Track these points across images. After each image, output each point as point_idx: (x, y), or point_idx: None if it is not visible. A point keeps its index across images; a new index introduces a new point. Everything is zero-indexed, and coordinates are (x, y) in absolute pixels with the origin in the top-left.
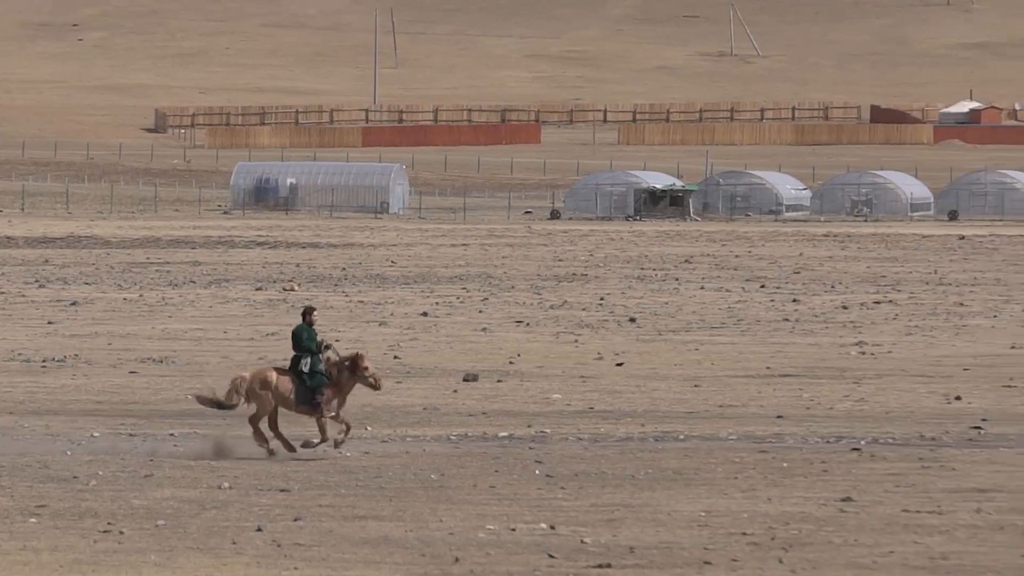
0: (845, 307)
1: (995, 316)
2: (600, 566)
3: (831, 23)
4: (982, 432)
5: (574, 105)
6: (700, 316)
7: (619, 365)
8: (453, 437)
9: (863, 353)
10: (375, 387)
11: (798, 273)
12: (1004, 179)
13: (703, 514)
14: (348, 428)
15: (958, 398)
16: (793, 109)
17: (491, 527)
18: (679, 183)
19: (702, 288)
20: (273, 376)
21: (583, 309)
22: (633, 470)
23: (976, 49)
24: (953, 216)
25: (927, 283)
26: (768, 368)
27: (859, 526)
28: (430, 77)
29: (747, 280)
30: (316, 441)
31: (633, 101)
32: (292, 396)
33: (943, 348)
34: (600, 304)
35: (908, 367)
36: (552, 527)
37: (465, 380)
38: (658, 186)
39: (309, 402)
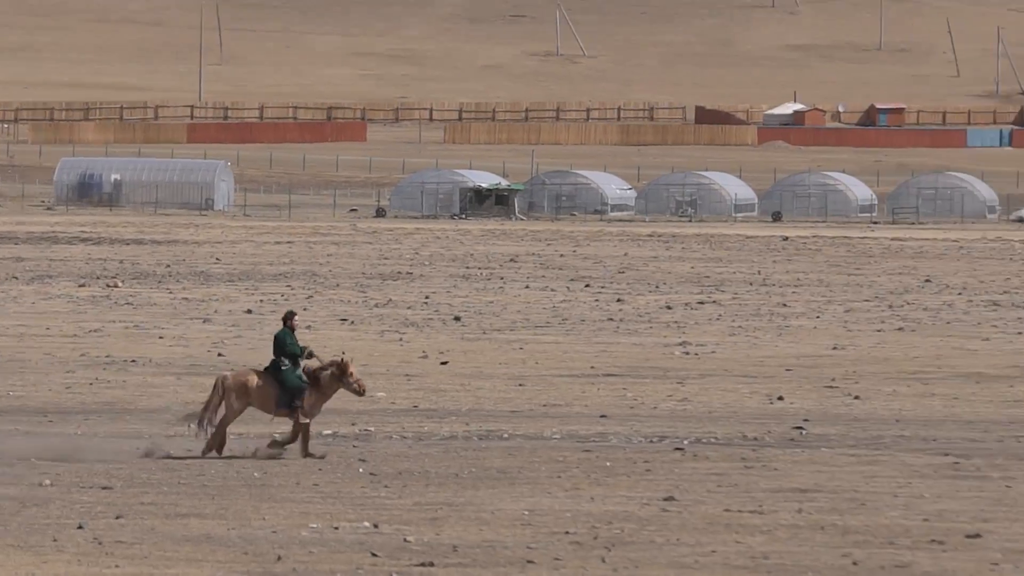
0: (669, 307)
1: (817, 317)
2: (423, 564)
3: (657, 24)
4: (804, 432)
5: (400, 103)
6: (525, 315)
7: (444, 364)
8: (277, 435)
9: (687, 353)
10: (359, 393)
11: (623, 273)
12: (827, 181)
13: (526, 513)
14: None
15: (780, 398)
16: (619, 109)
17: (314, 525)
18: (505, 182)
19: (527, 287)
20: (254, 379)
21: (408, 307)
22: (457, 469)
23: (800, 51)
24: (777, 217)
25: (751, 284)
26: (592, 367)
27: (681, 525)
28: (256, 74)
29: (572, 280)
30: (281, 440)
31: (459, 100)
32: (273, 400)
33: (766, 349)
34: (425, 303)
35: (731, 367)
36: (375, 525)
37: None
38: (484, 185)
39: (289, 405)
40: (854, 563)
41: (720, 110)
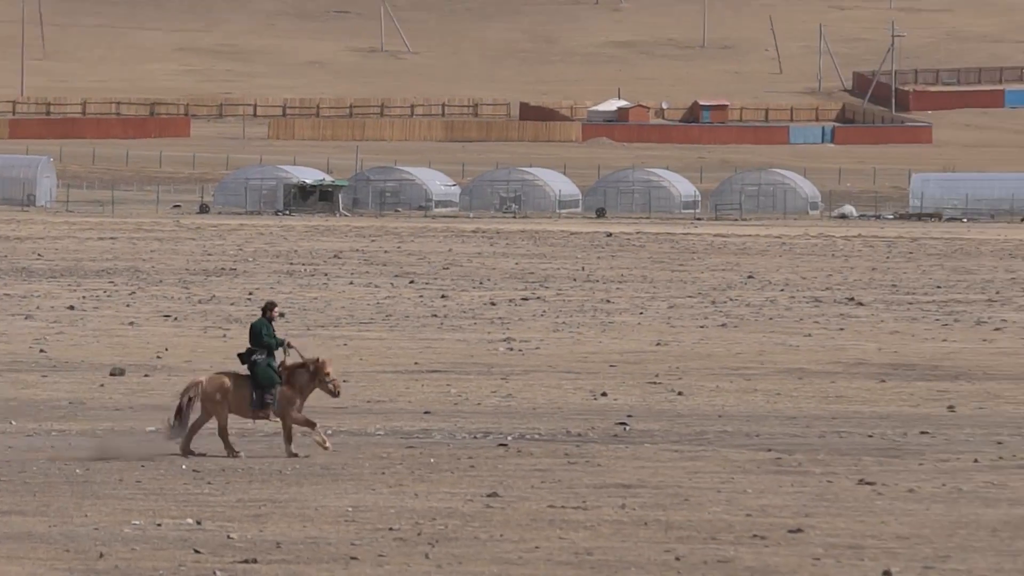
0: (493, 303)
1: (641, 313)
2: (246, 561)
3: (481, 20)
4: (627, 428)
5: (224, 99)
6: (349, 311)
7: None
8: (99, 431)
9: (511, 349)
10: (334, 394)
11: (447, 269)
12: (651, 177)
13: (350, 509)
14: (313, 427)
15: (604, 394)
16: (443, 105)
17: (137, 522)
18: (329, 178)
19: (351, 283)
20: (228, 383)
21: (232, 304)
22: (280, 465)
23: (624, 48)
24: (601, 213)
25: (574, 280)
26: (416, 364)
27: (505, 521)
28: (78, 69)
29: (396, 276)
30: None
31: (283, 96)
32: (247, 402)
33: (590, 345)
34: (249, 299)
35: (555, 363)
36: (198, 522)
37: (112, 374)
38: (308, 181)
39: (260, 404)
40: (677, 558)
41: (544, 107)
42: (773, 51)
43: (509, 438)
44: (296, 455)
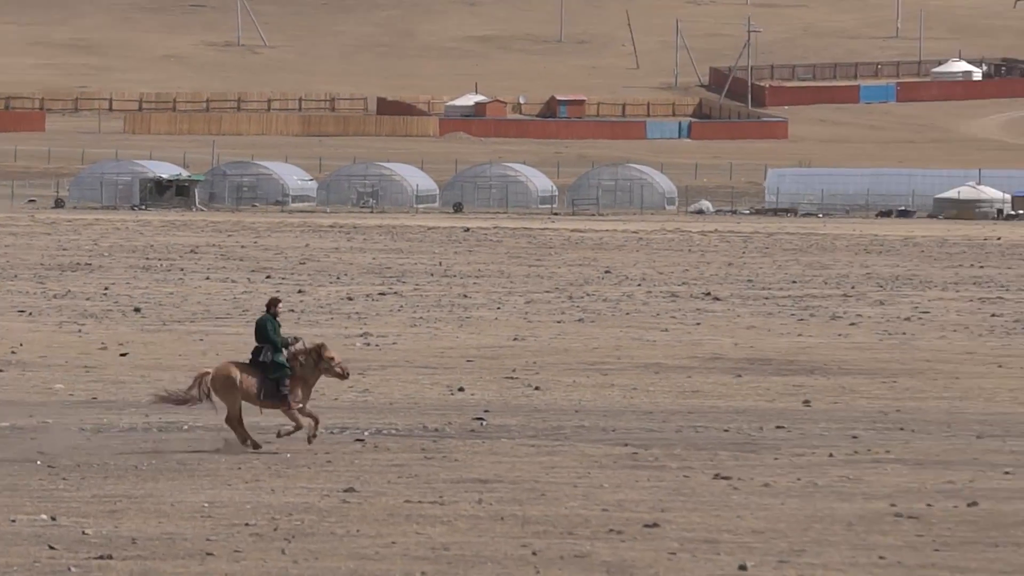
0: (350, 298)
1: (498, 308)
2: (101, 557)
3: (337, 14)
4: (484, 423)
5: (79, 93)
6: (205, 307)
7: (123, 355)
8: (282, 430)
9: (368, 344)
10: (342, 376)
11: (304, 264)
12: (508, 172)
13: (206, 505)
14: (316, 422)
15: (461, 389)
16: (300, 100)
17: None
18: (185, 173)
19: (208, 278)
20: (236, 372)
21: (87, 299)
22: (136, 461)
23: (481, 42)
24: (458, 208)
25: (432, 275)
26: None
27: (362, 516)
28: None
29: (253, 271)
30: (291, 428)
31: (139, 90)
32: (255, 390)
33: (447, 340)
34: (104, 294)
35: (413, 358)
36: (53, 518)
37: None
38: (164, 176)
39: (274, 395)
40: (534, 553)
41: (402, 101)
42: (630, 46)
43: (366, 433)
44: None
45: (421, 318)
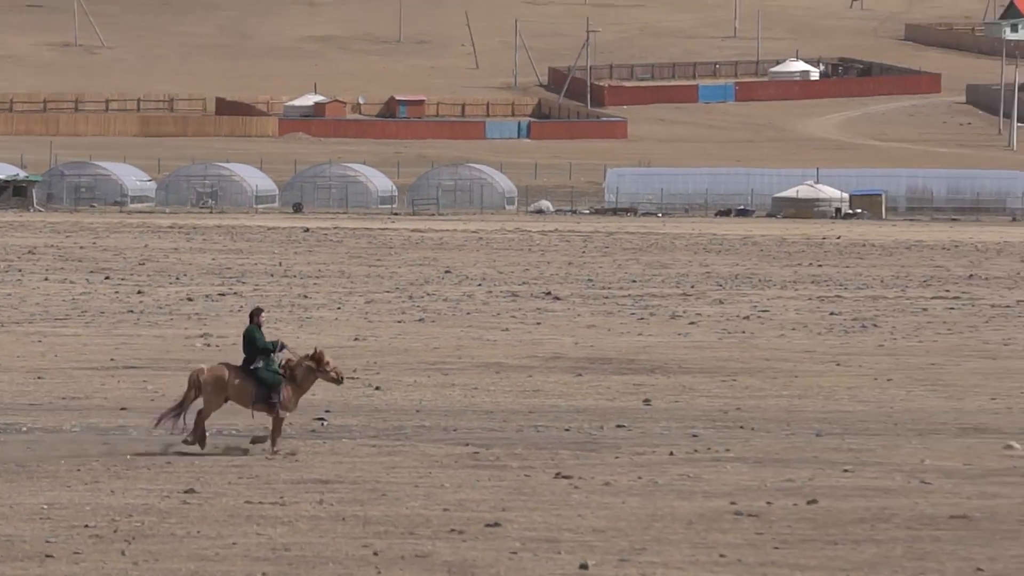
0: (190, 299)
1: (339, 308)
2: None
3: (177, 15)
4: (325, 423)
5: None
6: (44, 307)
7: None
8: (258, 433)
9: (208, 345)
10: (338, 381)
11: (143, 265)
12: (348, 172)
13: (45, 507)
14: (278, 435)
15: None
16: (139, 100)
17: None
18: (23, 173)
19: (46, 279)
20: (228, 373)
21: None
22: None
23: (321, 43)
24: (298, 208)
25: (272, 275)
26: (112, 360)
27: (202, 518)
28: None
29: (92, 272)
30: (264, 436)
31: None
32: (249, 394)
33: (288, 340)
34: None
35: None
36: None
37: None
38: (1, 176)
39: (266, 400)
40: (375, 553)
41: (241, 101)
42: (469, 46)
43: (207, 433)
44: (278, 451)
45: None
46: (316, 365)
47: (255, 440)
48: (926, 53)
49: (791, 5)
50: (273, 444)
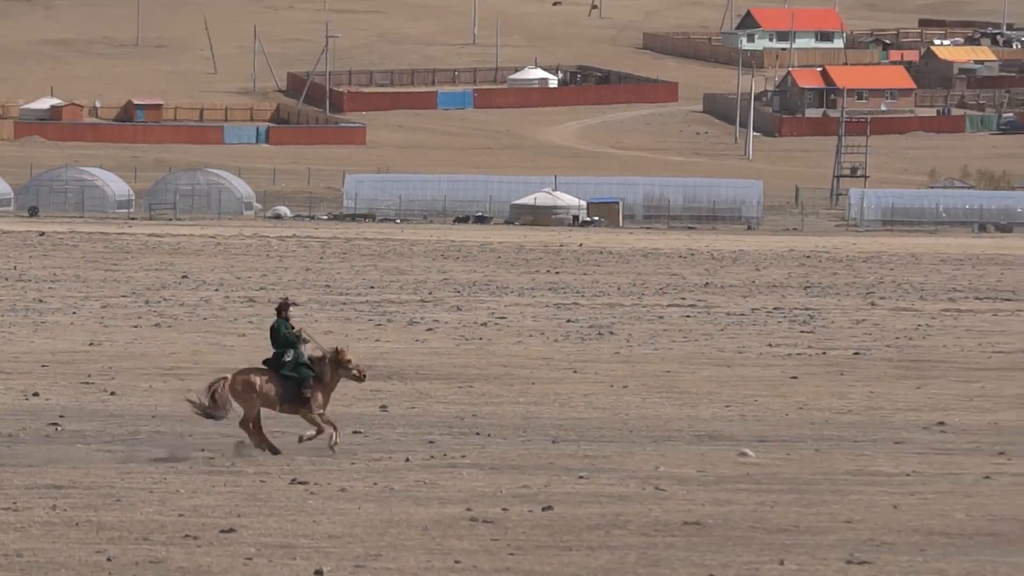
0: None
1: (74, 313)
2: None
3: None
4: (59, 429)
5: None
6: None
7: None
8: (305, 435)
9: None
10: (360, 379)
11: None
12: (85, 176)
13: None
14: (336, 429)
15: (36, 394)
16: None
17: None
18: None
19: None
20: (255, 378)
21: None
22: None
23: (57, 46)
24: (34, 212)
25: (7, 279)
26: None
27: None
28: None
29: None
30: (312, 433)
31: None
32: (276, 396)
33: (21, 344)
34: None
35: None
36: None
37: None
38: None
39: (294, 399)
40: (108, 559)
41: None
42: (208, 51)
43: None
44: (334, 445)
45: None
46: (336, 362)
47: (301, 442)
48: (664, 62)
49: (529, 13)
50: (318, 434)
